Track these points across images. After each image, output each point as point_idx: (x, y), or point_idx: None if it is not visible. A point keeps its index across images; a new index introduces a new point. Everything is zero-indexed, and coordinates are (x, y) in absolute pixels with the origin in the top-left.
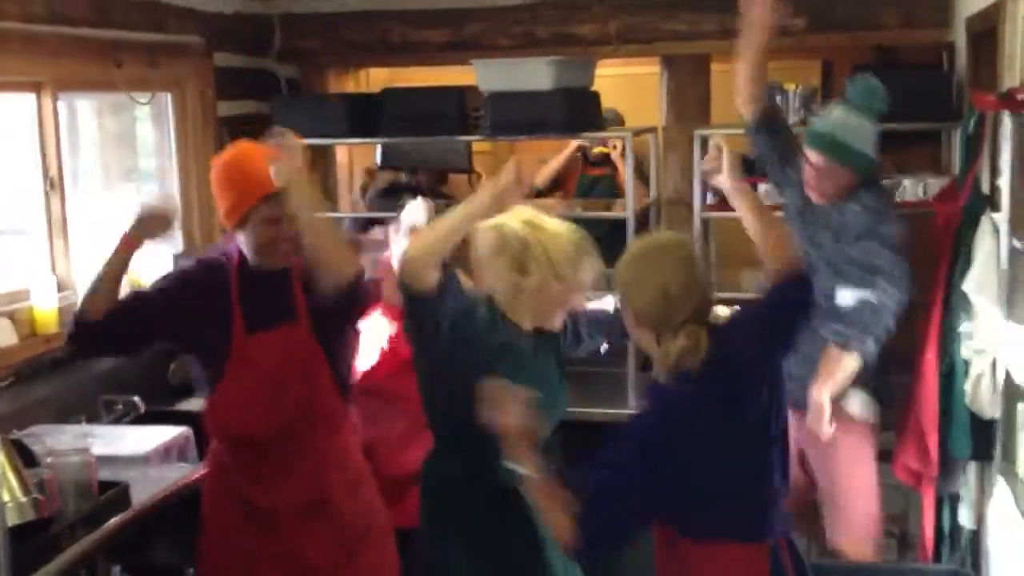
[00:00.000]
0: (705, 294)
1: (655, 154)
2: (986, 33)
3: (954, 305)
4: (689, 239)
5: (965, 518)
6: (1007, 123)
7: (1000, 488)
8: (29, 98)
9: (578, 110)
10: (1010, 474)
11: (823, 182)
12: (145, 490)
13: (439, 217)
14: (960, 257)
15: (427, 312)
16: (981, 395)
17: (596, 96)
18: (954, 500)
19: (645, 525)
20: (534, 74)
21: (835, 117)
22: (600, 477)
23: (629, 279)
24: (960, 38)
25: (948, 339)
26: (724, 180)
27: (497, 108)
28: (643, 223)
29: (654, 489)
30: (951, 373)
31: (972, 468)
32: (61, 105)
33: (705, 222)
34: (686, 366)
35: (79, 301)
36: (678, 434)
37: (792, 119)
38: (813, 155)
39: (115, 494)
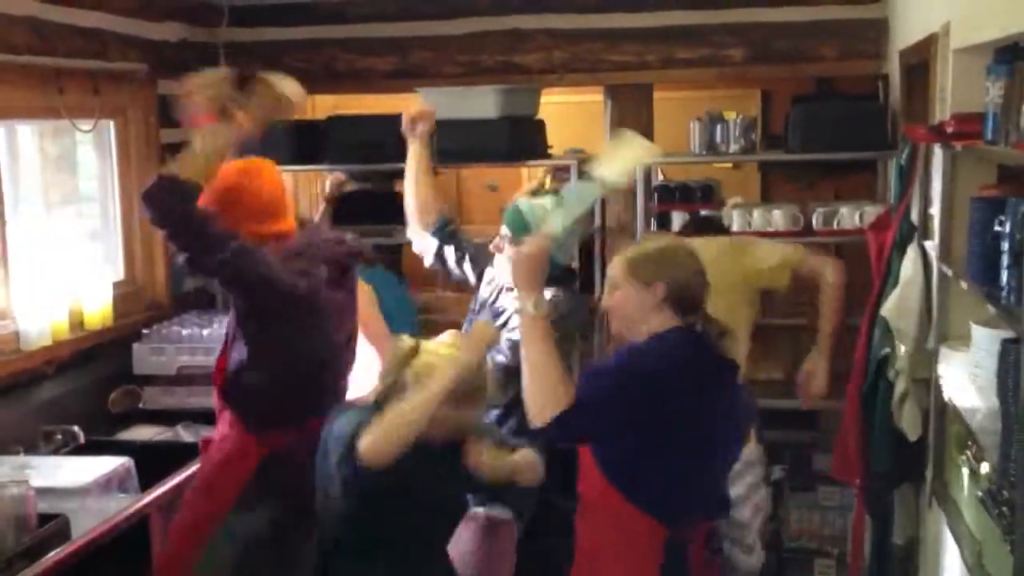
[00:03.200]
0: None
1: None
2: (919, 66)
3: (879, 329)
4: None
5: (898, 535)
6: (938, 154)
7: (934, 509)
8: None
9: (524, 138)
10: (943, 495)
11: None
12: (86, 522)
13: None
14: (888, 283)
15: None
16: (905, 415)
17: (541, 124)
18: (884, 519)
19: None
20: (480, 102)
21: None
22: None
23: (665, 258)
24: (895, 70)
25: (872, 361)
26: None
27: (443, 136)
28: (588, 252)
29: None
30: (875, 393)
31: (906, 486)
32: (1, 128)
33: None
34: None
35: None
36: (693, 378)
37: (732, 148)
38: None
39: (54, 527)
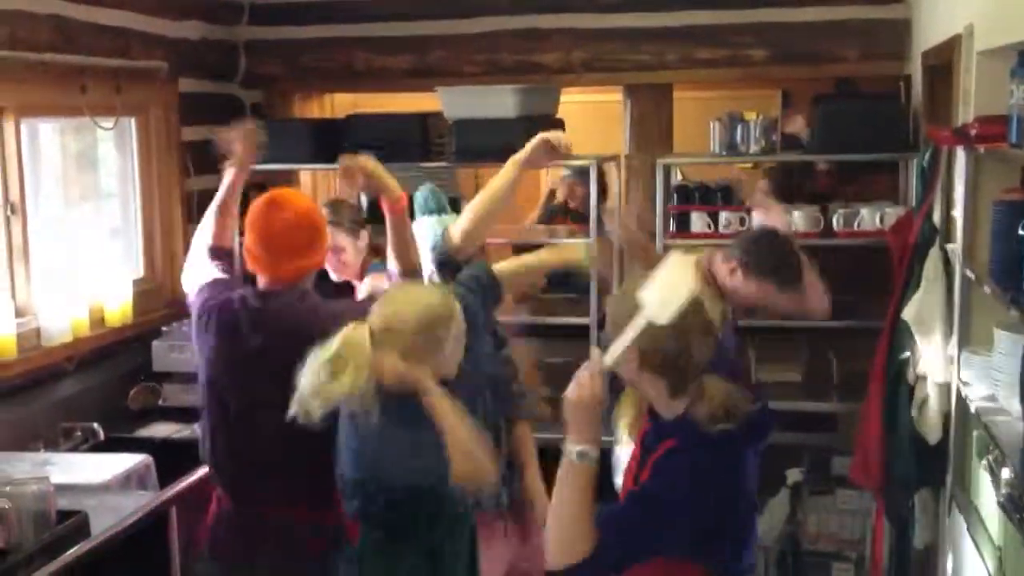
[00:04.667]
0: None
1: (619, 182)
2: (942, 67)
3: (900, 332)
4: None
5: (918, 540)
6: (961, 157)
7: (954, 514)
8: None
9: None
10: (964, 500)
11: None
12: (105, 519)
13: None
14: (910, 286)
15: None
16: (926, 420)
17: (560, 123)
18: (904, 524)
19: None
20: (498, 101)
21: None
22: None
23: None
24: (917, 71)
25: (893, 365)
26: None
27: (461, 135)
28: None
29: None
30: (896, 397)
31: (926, 491)
32: (23, 126)
33: (667, 249)
34: (734, 419)
35: None
36: (727, 471)
37: (752, 148)
38: None
39: (74, 523)
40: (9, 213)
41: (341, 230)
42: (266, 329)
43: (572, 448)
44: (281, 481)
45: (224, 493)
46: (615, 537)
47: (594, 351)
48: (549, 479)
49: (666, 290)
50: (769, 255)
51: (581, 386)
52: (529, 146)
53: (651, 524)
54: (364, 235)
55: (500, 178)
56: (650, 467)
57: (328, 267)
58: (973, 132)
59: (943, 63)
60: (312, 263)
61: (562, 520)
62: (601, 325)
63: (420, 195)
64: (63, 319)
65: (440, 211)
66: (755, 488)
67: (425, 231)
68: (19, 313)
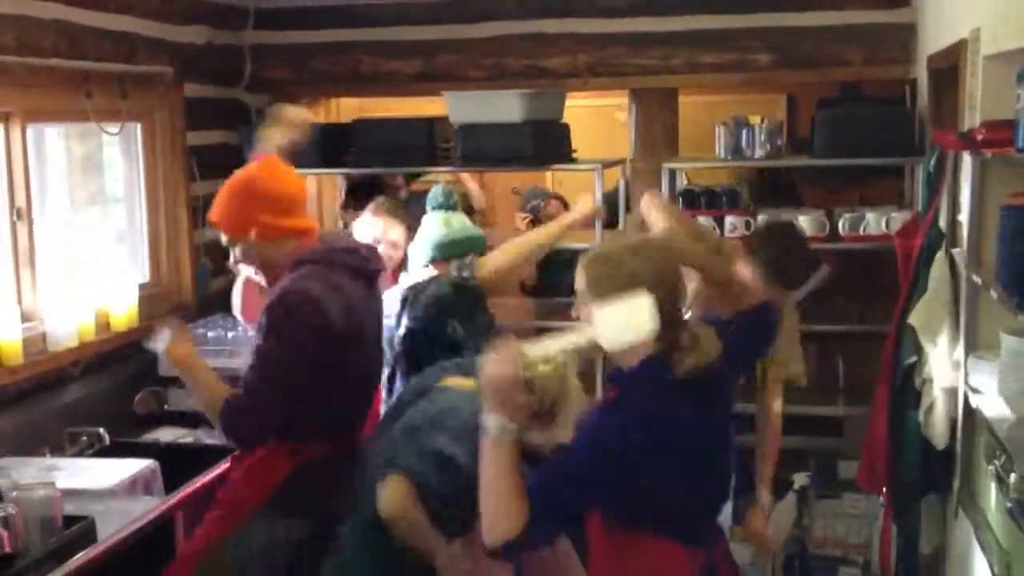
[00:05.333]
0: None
1: (623, 187)
2: (947, 71)
3: (907, 337)
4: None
5: (924, 545)
6: (967, 161)
7: (961, 519)
8: None
9: (548, 142)
10: (971, 505)
11: None
12: (111, 524)
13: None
14: (917, 290)
15: None
16: (933, 425)
17: (566, 128)
18: (911, 529)
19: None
20: (504, 106)
21: (440, 226)
22: (566, 460)
23: (610, 272)
24: (922, 75)
25: (899, 369)
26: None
27: (467, 139)
28: None
29: (614, 481)
30: (903, 402)
31: (933, 496)
32: (28, 131)
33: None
34: (705, 365)
35: None
36: (664, 429)
37: (758, 153)
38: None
39: (81, 529)
40: (15, 218)
41: (399, 223)
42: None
43: (491, 424)
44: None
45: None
46: (539, 502)
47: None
48: None
49: (623, 320)
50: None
51: (499, 363)
52: (585, 212)
53: (564, 479)
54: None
55: (545, 231)
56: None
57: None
58: (980, 137)
59: (949, 67)
60: None
61: (491, 498)
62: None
63: (432, 191)
64: (69, 324)
65: (448, 208)
66: (715, 452)
67: (428, 224)
68: (25, 318)
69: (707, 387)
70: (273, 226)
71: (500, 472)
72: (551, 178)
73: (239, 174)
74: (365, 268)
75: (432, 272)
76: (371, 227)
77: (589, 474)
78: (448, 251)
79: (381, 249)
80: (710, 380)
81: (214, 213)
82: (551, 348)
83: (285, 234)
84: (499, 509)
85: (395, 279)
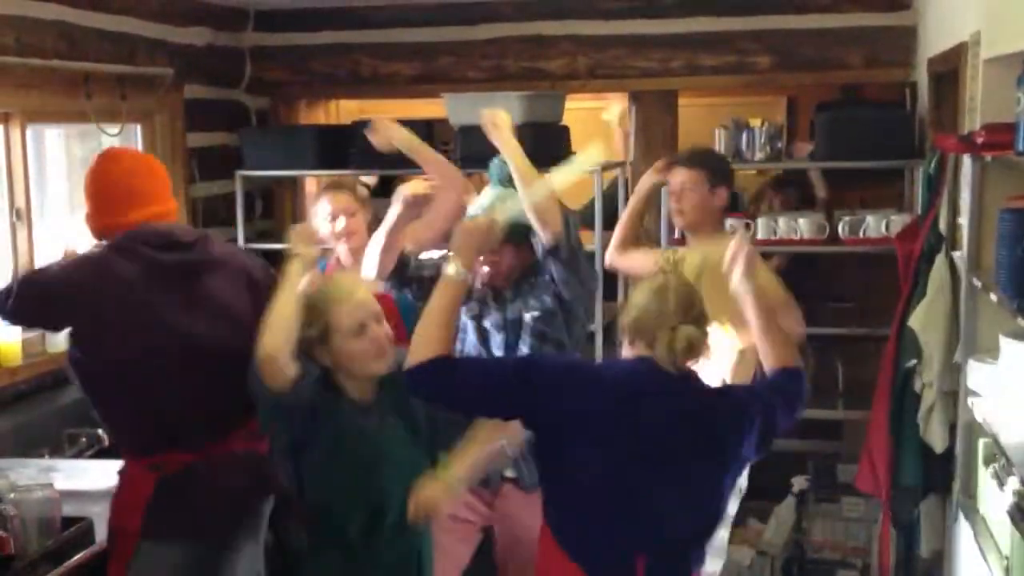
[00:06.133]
0: (698, 306)
1: (623, 189)
2: (948, 75)
3: (906, 340)
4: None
5: (924, 548)
6: (967, 164)
7: (960, 522)
8: None
9: (547, 144)
10: (970, 508)
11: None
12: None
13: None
14: (916, 293)
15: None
16: (932, 428)
17: (565, 130)
18: (910, 532)
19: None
20: (503, 108)
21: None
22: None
23: (625, 306)
24: (922, 78)
25: (899, 372)
26: (739, 281)
27: (466, 141)
28: None
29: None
30: (902, 405)
31: (932, 498)
32: (28, 132)
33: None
34: (692, 356)
35: None
36: (627, 402)
37: (758, 155)
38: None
39: (78, 530)
40: (15, 219)
41: (346, 194)
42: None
43: (452, 267)
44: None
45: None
46: (462, 362)
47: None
48: None
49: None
50: None
51: (477, 220)
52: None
53: (495, 363)
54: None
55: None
56: None
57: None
58: (980, 140)
59: (949, 70)
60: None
61: (428, 324)
62: (607, 332)
63: (494, 163)
64: None
65: (507, 182)
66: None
67: (485, 199)
68: None
69: (686, 399)
70: (114, 224)
71: (442, 305)
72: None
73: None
74: (181, 265)
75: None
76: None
77: (518, 366)
78: None
79: (339, 226)
80: (697, 401)
81: None
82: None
83: (129, 228)
84: (429, 334)
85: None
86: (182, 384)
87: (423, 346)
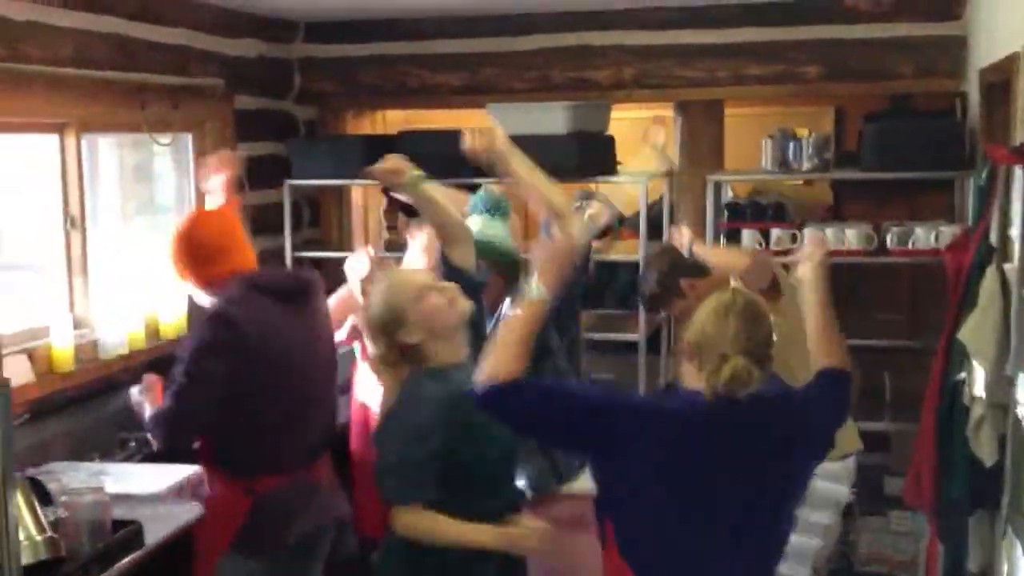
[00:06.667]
0: (762, 332)
1: (668, 198)
2: (1000, 85)
3: (956, 353)
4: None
5: (972, 563)
6: (1019, 176)
7: (1010, 537)
8: (52, 138)
9: (593, 154)
10: (1019, 523)
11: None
12: (158, 529)
13: None
14: (966, 306)
15: None
16: (981, 441)
17: (611, 140)
18: (958, 546)
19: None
20: (549, 118)
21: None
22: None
23: (692, 321)
24: (973, 88)
25: (948, 385)
26: (806, 270)
27: None
28: None
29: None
30: (951, 418)
31: (981, 513)
32: (83, 141)
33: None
34: (734, 391)
35: None
36: (679, 440)
37: (805, 165)
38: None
39: (128, 533)
40: (69, 227)
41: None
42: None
43: (535, 287)
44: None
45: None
46: (540, 385)
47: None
48: None
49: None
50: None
51: (566, 240)
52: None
53: (573, 392)
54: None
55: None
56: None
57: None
58: None
59: (1001, 80)
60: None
61: (504, 347)
62: (650, 341)
63: (477, 195)
64: (119, 332)
65: (490, 212)
66: (730, 504)
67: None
68: (77, 325)
69: (752, 432)
70: (207, 277)
71: (522, 324)
72: (595, 190)
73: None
74: (290, 293)
75: None
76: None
77: (592, 405)
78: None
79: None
80: (762, 434)
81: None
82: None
83: (217, 281)
84: (506, 351)
85: None
86: (291, 411)
87: (498, 363)
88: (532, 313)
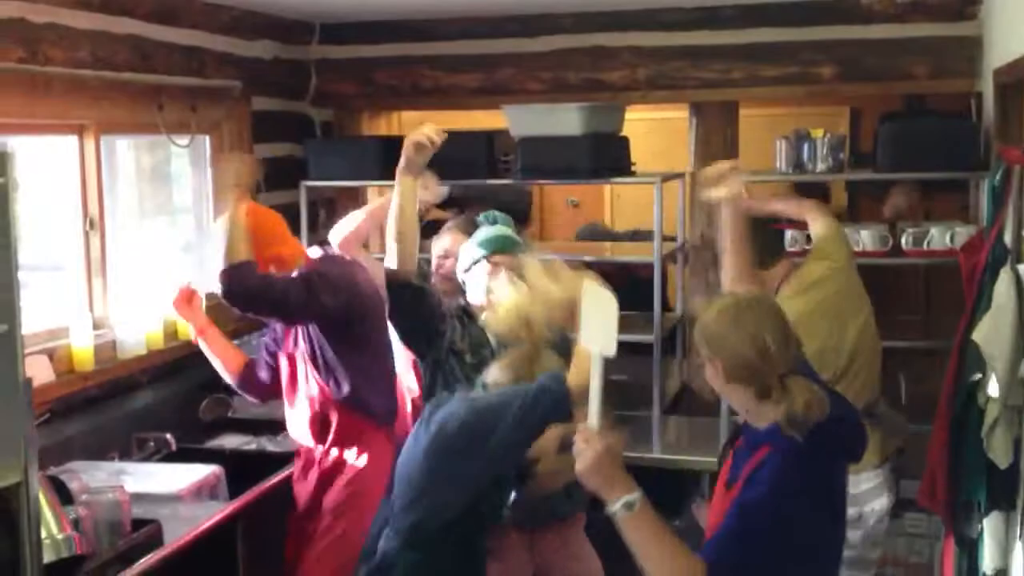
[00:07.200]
0: (797, 346)
1: (682, 199)
2: (1014, 85)
3: (970, 354)
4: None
5: (987, 565)
6: None
7: None
8: (71, 139)
9: (607, 155)
10: None
11: None
12: (177, 528)
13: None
14: (981, 306)
15: None
16: (996, 443)
17: (625, 141)
18: (973, 548)
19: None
20: (564, 119)
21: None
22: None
23: (720, 332)
24: (988, 89)
25: (962, 386)
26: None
27: (527, 152)
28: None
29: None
30: (966, 419)
31: (996, 515)
32: (101, 143)
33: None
34: (813, 419)
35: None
36: (824, 494)
37: (820, 166)
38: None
39: (148, 532)
40: (88, 228)
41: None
42: None
43: (615, 508)
44: None
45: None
46: (729, 556)
47: (580, 424)
48: None
49: (596, 322)
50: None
51: (583, 452)
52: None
53: (758, 533)
54: None
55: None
56: (744, 478)
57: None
58: None
59: (1016, 81)
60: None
61: (661, 566)
62: (665, 343)
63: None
64: (138, 332)
65: (494, 222)
66: (844, 508)
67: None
68: (96, 326)
69: (833, 445)
70: (280, 254)
71: (653, 541)
72: (609, 191)
73: (252, 223)
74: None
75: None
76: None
77: (768, 542)
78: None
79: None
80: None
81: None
82: (594, 408)
83: (289, 259)
84: (677, 568)
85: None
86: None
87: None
88: (641, 519)
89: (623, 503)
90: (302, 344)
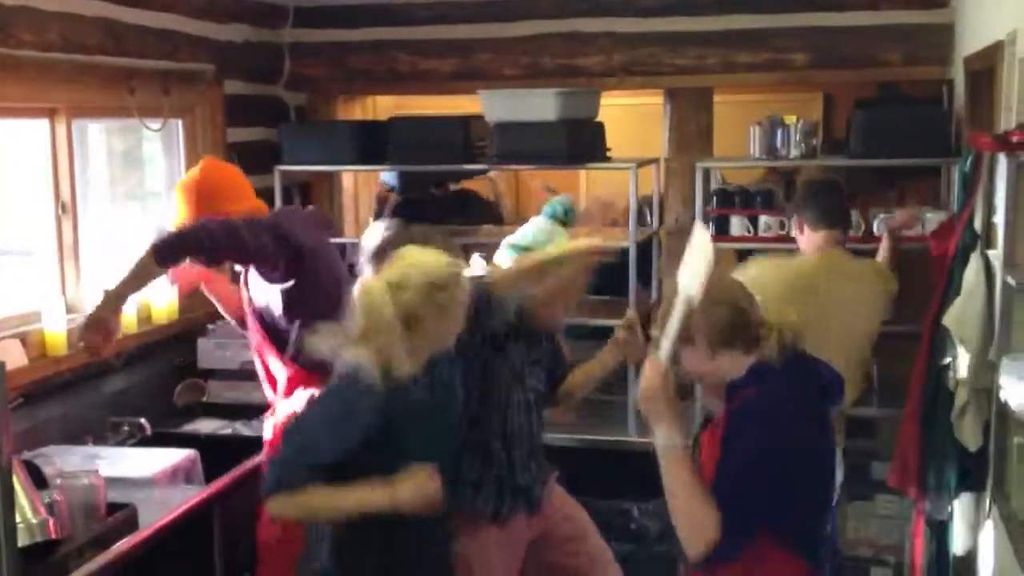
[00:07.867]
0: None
1: (657, 185)
2: (984, 73)
3: (940, 338)
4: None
5: (956, 546)
6: (1003, 163)
7: (994, 519)
8: (42, 123)
9: (582, 141)
10: (1004, 508)
11: None
12: (152, 512)
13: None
14: (951, 292)
15: None
16: (965, 426)
17: (601, 127)
18: (943, 530)
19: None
20: (539, 105)
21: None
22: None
23: (696, 309)
24: (959, 76)
25: (933, 370)
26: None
27: (503, 138)
28: (645, 253)
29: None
30: (936, 403)
31: (965, 497)
32: (72, 127)
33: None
34: (789, 341)
35: None
36: (805, 423)
37: (793, 152)
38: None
39: (123, 516)
40: (60, 212)
41: None
42: None
43: (659, 440)
44: None
45: None
46: (734, 506)
47: (652, 350)
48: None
49: (692, 266)
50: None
51: (647, 377)
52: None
53: (753, 474)
54: None
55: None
56: (729, 422)
57: None
58: (1015, 138)
59: (985, 68)
60: None
61: (682, 511)
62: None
63: (554, 201)
64: None
65: (557, 219)
66: (832, 457)
67: (531, 225)
68: (69, 310)
69: (809, 375)
70: (237, 212)
71: (682, 482)
72: (585, 177)
73: (197, 180)
74: (325, 221)
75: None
76: None
77: (765, 480)
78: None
79: None
80: (811, 371)
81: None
82: (668, 346)
83: (245, 215)
84: (694, 520)
85: None
86: None
87: (695, 529)
88: (676, 460)
89: (666, 439)
90: (250, 311)
